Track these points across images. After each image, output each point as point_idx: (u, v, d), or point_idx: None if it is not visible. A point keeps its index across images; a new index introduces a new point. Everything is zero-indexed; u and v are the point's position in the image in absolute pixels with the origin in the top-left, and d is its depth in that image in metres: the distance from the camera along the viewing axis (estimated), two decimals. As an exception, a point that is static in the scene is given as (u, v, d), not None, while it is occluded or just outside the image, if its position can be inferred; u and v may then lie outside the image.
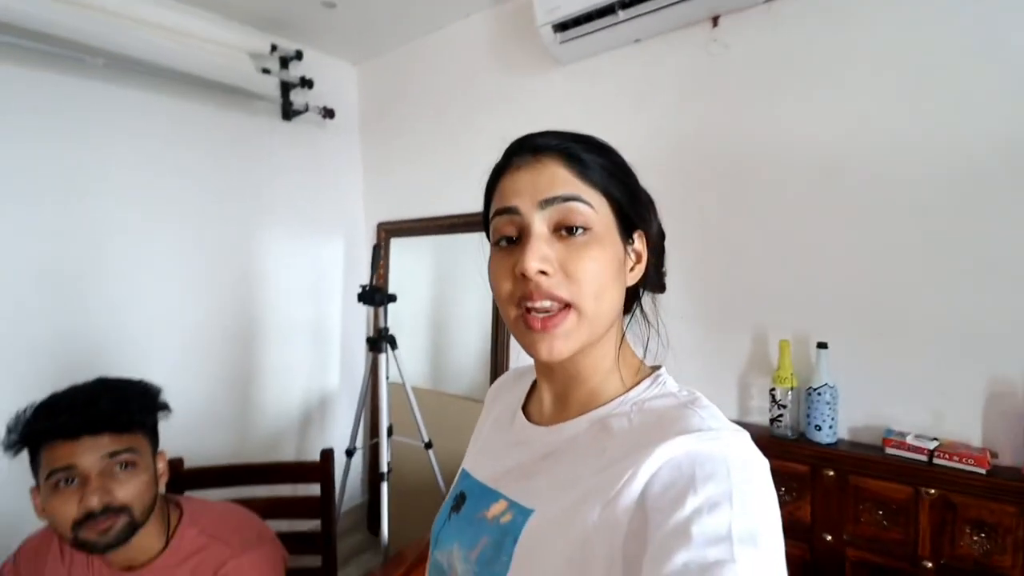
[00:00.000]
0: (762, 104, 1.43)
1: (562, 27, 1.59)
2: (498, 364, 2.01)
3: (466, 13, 2.03)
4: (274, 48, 2.06)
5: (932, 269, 1.23)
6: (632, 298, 0.56)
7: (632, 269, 0.52)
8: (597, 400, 0.53)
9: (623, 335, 0.55)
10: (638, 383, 0.53)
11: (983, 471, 1.10)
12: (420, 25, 2.14)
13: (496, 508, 0.53)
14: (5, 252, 1.50)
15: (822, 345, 1.32)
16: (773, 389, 1.37)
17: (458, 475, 0.64)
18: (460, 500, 0.59)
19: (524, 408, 0.62)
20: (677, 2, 1.41)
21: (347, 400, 2.47)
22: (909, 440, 1.20)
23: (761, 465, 0.43)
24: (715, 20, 1.48)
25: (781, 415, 1.36)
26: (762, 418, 1.44)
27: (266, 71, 2.02)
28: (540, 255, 0.45)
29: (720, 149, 1.50)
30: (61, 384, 0.91)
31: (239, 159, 2.06)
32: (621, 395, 0.52)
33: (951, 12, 1.19)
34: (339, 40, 2.25)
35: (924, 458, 1.16)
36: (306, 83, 2.13)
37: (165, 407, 0.97)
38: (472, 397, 2.11)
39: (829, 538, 1.27)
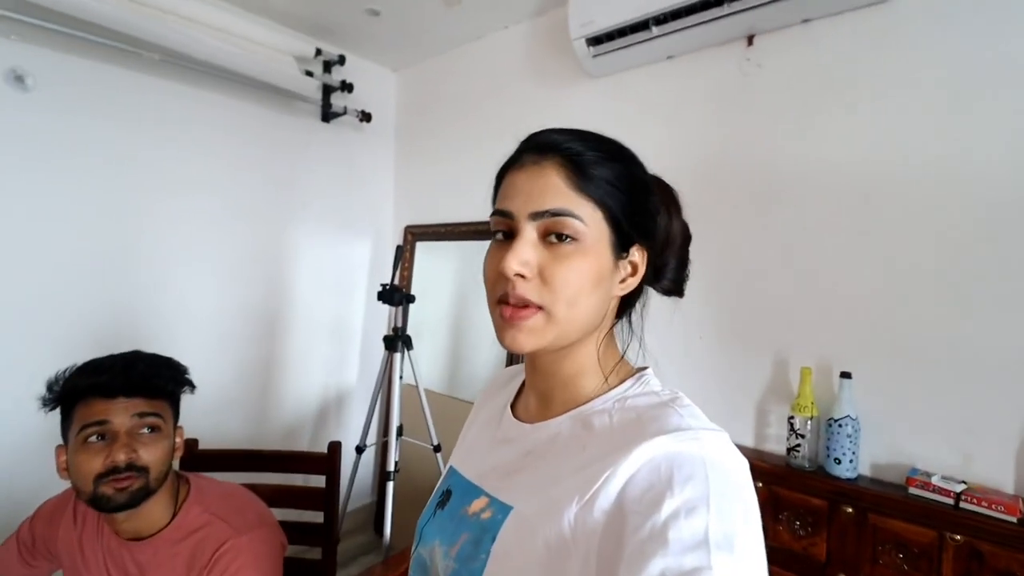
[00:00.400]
0: (793, 125, 1.41)
1: (595, 41, 1.60)
2: (513, 373, 2.00)
3: (504, 25, 2.07)
4: (318, 52, 2.14)
5: (964, 300, 1.17)
6: (627, 305, 0.57)
7: (624, 281, 0.53)
8: (580, 398, 0.53)
9: (606, 338, 0.55)
10: (622, 382, 0.54)
11: (1014, 520, 1.03)
12: (459, 35, 2.20)
13: (477, 504, 0.53)
14: (56, 227, 1.60)
15: (846, 375, 1.26)
16: (792, 417, 1.32)
17: (445, 471, 0.65)
18: (446, 497, 0.59)
19: (513, 406, 0.62)
20: (712, 20, 1.40)
21: (363, 397, 2.50)
22: (935, 481, 1.13)
23: (739, 466, 0.43)
24: (750, 39, 1.47)
25: (799, 445, 1.31)
26: (779, 446, 1.38)
27: (309, 74, 2.11)
28: (521, 259, 0.48)
29: (749, 169, 1.47)
30: (98, 354, 0.96)
31: (278, 156, 2.15)
32: (604, 393, 0.52)
33: (993, 36, 1.15)
34: (381, 47, 2.32)
35: (950, 501, 1.10)
36: (346, 87, 2.20)
37: (191, 384, 1.02)
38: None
39: (843, 578, 1.20)
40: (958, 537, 1.07)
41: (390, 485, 1.79)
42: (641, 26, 1.49)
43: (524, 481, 0.51)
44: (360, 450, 1.97)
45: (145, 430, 0.91)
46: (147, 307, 1.79)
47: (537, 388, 0.57)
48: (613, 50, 1.59)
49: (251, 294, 2.09)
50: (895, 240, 1.26)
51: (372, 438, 2.27)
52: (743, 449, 1.42)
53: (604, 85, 1.76)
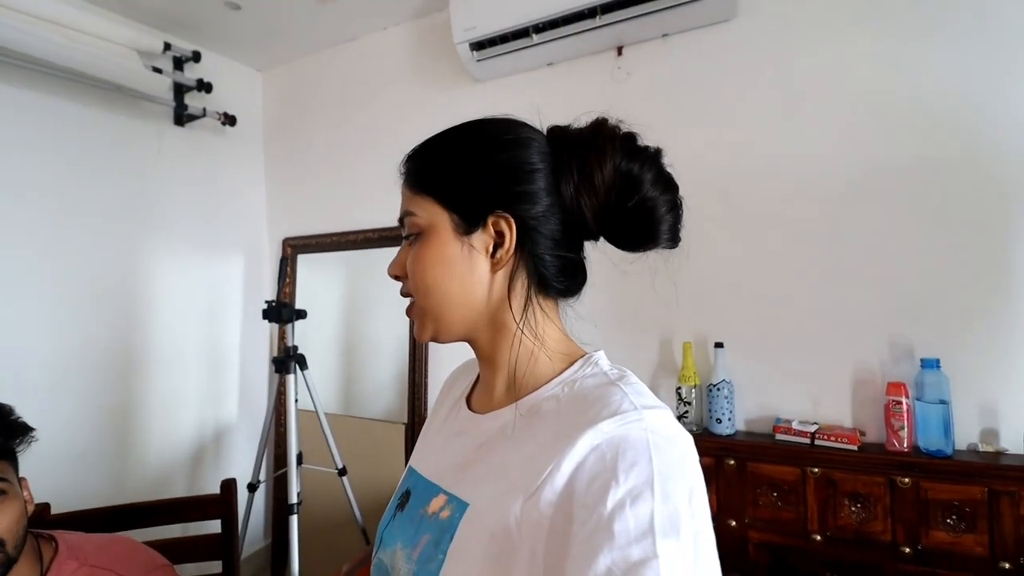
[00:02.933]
0: (660, 128, 1.56)
1: (479, 46, 1.64)
2: (416, 384, 1.96)
3: (383, 26, 2.03)
4: (168, 47, 1.90)
5: (803, 274, 1.41)
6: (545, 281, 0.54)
7: (495, 254, 0.51)
8: (528, 385, 0.52)
9: (534, 318, 0.53)
10: (571, 364, 0.53)
11: (855, 448, 1.26)
12: (334, 34, 2.10)
13: (435, 503, 0.51)
14: None
15: (719, 345, 1.45)
16: (679, 388, 1.47)
17: (405, 472, 0.62)
18: (405, 498, 0.57)
19: (469, 398, 0.61)
20: (586, 31, 1.52)
21: (247, 431, 2.26)
22: (795, 425, 1.34)
23: (683, 442, 0.43)
24: (619, 50, 1.62)
25: (687, 412, 1.47)
26: (672, 416, 1.53)
27: (157, 71, 1.86)
28: (394, 263, 0.56)
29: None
30: None
31: (124, 166, 1.86)
32: (554, 378, 0.52)
33: (816, 52, 1.40)
34: (244, 44, 2.13)
35: (807, 441, 1.31)
36: (204, 86, 1.99)
37: (26, 427, 0.85)
38: (390, 420, 2.03)
39: (733, 523, 1.37)
40: (816, 470, 1.28)
41: (294, 520, 1.63)
42: (522, 33, 1.57)
43: (477, 474, 0.50)
44: (252, 488, 1.78)
45: None
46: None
47: (484, 377, 0.57)
48: (497, 55, 1.64)
49: (98, 331, 1.78)
50: (751, 228, 1.47)
51: (264, 473, 2.06)
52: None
53: (489, 89, 1.80)
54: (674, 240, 0.55)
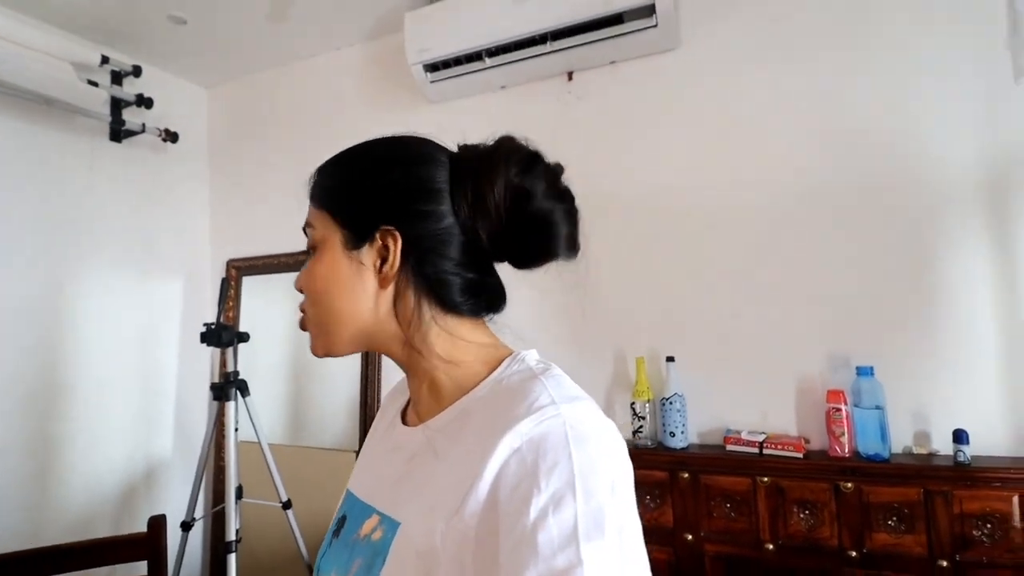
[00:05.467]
0: (609, 149, 1.64)
1: (433, 68, 1.66)
2: (368, 407, 1.89)
3: (336, 46, 2.03)
4: (105, 60, 1.82)
5: (749, 289, 1.47)
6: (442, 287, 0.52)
7: (381, 269, 0.50)
8: (454, 392, 0.51)
9: (446, 324, 0.52)
10: (498, 365, 0.51)
11: (800, 455, 1.30)
12: (284, 52, 2.07)
13: (368, 525, 0.49)
14: None
15: (670, 359, 1.48)
16: (633, 403, 1.49)
17: (343, 497, 0.58)
18: (341, 523, 0.54)
19: (404, 412, 0.59)
20: (537, 56, 1.57)
21: (183, 465, 2.10)
22: (744, 436, 1.38)
23: (603, 432, 0.43)
24: (570, 75, 1.68)
25: (641, 427, 1.47)
26: (626, 432, 1.54)
27: (93, 84, 1.77)
28: (297, 276, 0.56)
29: (574, 189, 1.65)
30: None
31: (50, 180, 1.75)
32: (480, 381, 0.50)
33: (754, 82, 1.49)
34: (189, 60, 2.07)
35: (756, 450, 1.34)
36: (144, 102, 1.91)
37: None
38: (340, 448, 1.94)
39: (689, 537, 1.37)
40: (766, 479, 1.31)
41: (232, 559, 1.51)
42: (475, 57, 1.60)
43: (406, 490, 0.48)
44: (187, 526, 1.64)
45: None
46: None
47: (411, 390, 0.56)
48: (450, 77, 1.67)
49: (14, 352, 1.63)
50: (697, 247, 1.53)
51: (201, 510, 1.91)
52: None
53: (443, 110, 1.82)
54: (573, 248, 0.53)
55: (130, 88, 1.91)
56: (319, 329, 0.53)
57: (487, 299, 0.54)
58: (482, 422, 0.45)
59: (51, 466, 1.71)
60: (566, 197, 0.52)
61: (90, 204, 1.86)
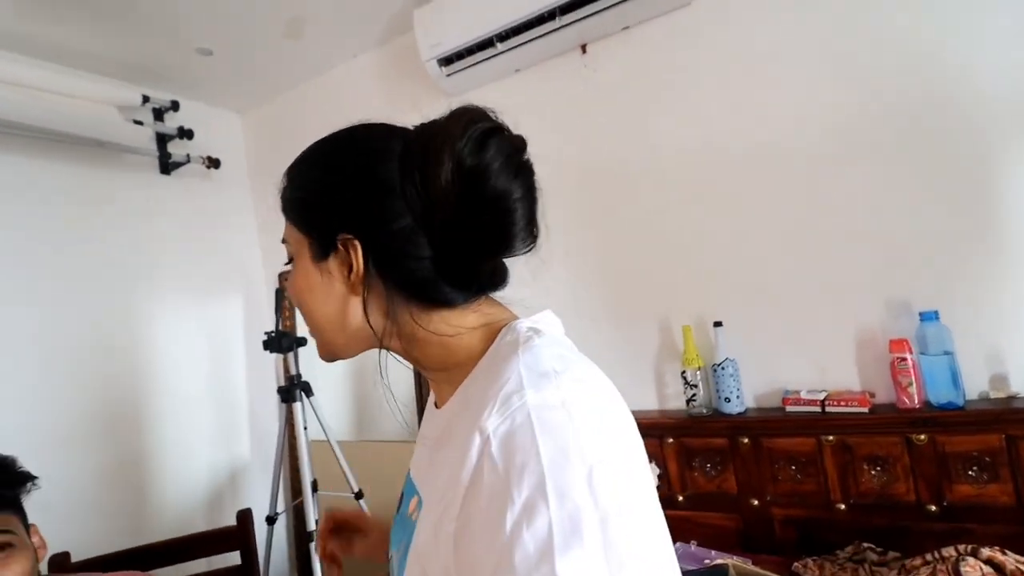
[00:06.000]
0: (634, 116, 1.59)
1: (447, 61, 1.67)
2: (423, 399, 1.95)
3: (352, 54, 2.07)
4: (146, 100, 1.95)
5: (793, 241, 1.40)
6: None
7: (350, 277, 0.48)
8: (460, 373, 0.49)
9: (430, 323, 0.49)
10: (492, 340, 0.48)
11: (866, 410, 1.24)
12: (305, 69, 2.14)
13: (412, 504, 0.51)
14: None
15: (718, 324, 1.44)
16: (684, 372, 1.46)
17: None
18: (400, 501, 0.57)
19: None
20: (548, 33, 1.54)
21: (260, 466, 2.25)
22: (803, 395, 1.33)
23: (574, 411, 0.39)
24: (584, 48, 1.64)
25: (695, 395, 1.45)
26: (679, 402, 1.52)
27: (138, 123, 1.90)
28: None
29: (602, 163, 1.63)
30: None
31: (112, 219, 1.90)
32: (479, 358, 0.48)
33: (777, 20, 1.41)
34: (220, 89, 2.18)
35: (818, 409, 1.29)
36: (185, 133, 2.03)
37: (28, 477, 0.86)
38: (404, 439, 2.02)
39: (756, 502, 1.35)
40: (830, 438, 1.27)
41: (313, 547, 1.63)
42: (487, 44, 1.59)
43: (431, 473, 0.48)
44: (271, 520, 1.77)
45: None
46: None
47: (428, 378, 0.56)
48: (465, 68, 1.67)
49: (100, 384, 1.80)
50: (734, 203, 1.47)
51: (282, 504, 2.05)
52: (648, 414, 1.54)
53: (462, 102, 1.82)
54: (531, 235, 0.47)
55: (171, 122, 2.04)
56: (317, 337, 0.54)
57: (478, 285, 0.49)
58: (475, 403, 0.43)
59: (147, 478, 1.88)
60: (524, 171, 0.46)
61: (150, 235, 2.00)
